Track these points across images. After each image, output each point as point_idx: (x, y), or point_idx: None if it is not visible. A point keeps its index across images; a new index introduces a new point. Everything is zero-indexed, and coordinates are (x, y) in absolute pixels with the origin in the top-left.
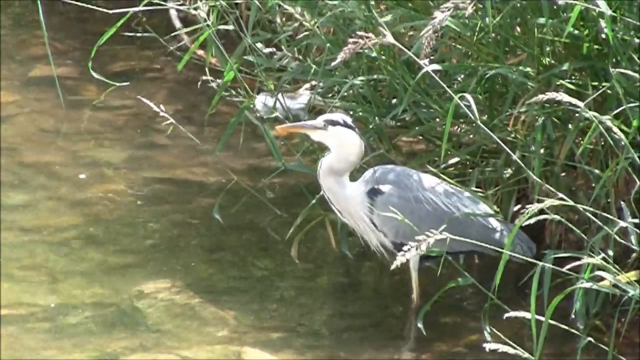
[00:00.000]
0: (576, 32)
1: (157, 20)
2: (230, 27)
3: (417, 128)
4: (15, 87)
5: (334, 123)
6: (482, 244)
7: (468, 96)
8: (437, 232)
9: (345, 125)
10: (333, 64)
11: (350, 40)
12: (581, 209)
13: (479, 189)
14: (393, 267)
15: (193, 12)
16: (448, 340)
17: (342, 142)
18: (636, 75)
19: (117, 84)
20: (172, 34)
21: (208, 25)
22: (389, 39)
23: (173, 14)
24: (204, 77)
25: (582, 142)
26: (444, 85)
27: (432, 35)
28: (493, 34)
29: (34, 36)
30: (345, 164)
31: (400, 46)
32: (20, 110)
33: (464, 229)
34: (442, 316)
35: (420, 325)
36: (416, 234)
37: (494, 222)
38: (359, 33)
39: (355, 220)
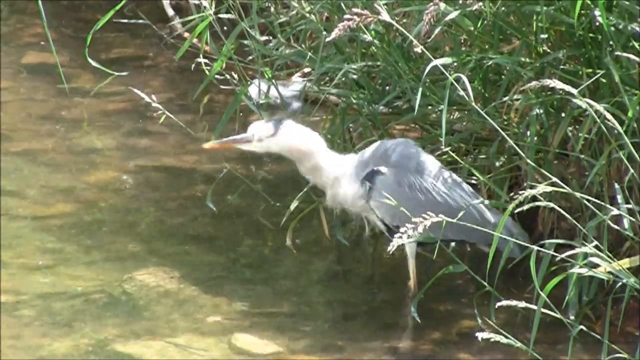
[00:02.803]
0: (570, 20)
1: (149, 7)
2: (232, 16)
3: (410, 114)
4: (8, 74)
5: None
6: (476, 226)
7: (464, 77)
8: (432, 215)
9: (275, 126)
10: (327, 39)
11: (346, 16)
12: (578, 195)
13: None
14: (390, 250)
15: (193, 0)
16: (441, 327)
17: (288, 147)
18: (634, 57)
19: (116, 74)
20: (169, 24)
21: (209, 14)
22: (385, 16)
23: (165, 1)
24: (198, 60)
25: (575, 130)
26: (444, 70)
27: (433, 12)
28: (487, 21)
29: (26, 24)
30: (308, 160)
31: (397, 25)
32: (12, 97)
33: (461, 218)
34: (436, 304)
35: (414, 313)
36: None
37: (489, 215)
38: (355, 10)
39: (358, 213)
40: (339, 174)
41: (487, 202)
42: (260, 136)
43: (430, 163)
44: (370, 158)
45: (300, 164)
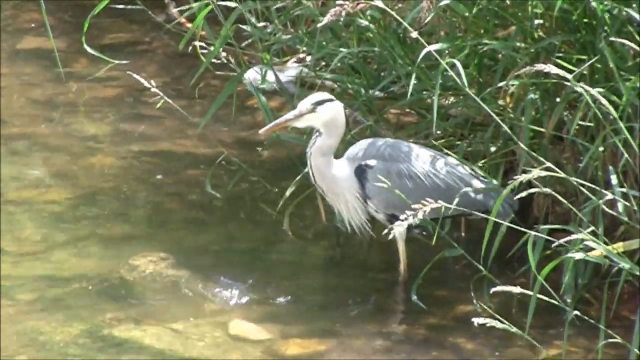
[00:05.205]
0: (565, 5)
1: None
2: (231, 3)
3: (405, 99)
4: (4, 58)
5: (321, 102)
6: (468, 210)
7: (457, 63)
8: (430, 201)
9: (331, 99)
10: (319, 25)
11: (338, 2)
12: (572, 180)
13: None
14: (390, 237)
15: None
16: (436, 313)
17: (332, 117)
18: (628, 43)
19: (116, 62)
20: (166, 10)
21: (211, 2)
22: (378, 2)
23: None
24: (194, 44)
25: (570, 115)
26: (437, 56)
27: (428, 6)
28: (482, 6)
29: (22, 9)
30: (336, 138)
31: (391, 11)
32: (9, 82)
33: (453, 194)
34: (431, 289)
35: (414, 298)
36: (407, 204)
37: (477, 183)
38: None
39: (339, 200)
40: (335, 173)
41: (481, 185)
42: (315, 106)
43: (419, 151)
44: (359, 154)
45: (329, 138)
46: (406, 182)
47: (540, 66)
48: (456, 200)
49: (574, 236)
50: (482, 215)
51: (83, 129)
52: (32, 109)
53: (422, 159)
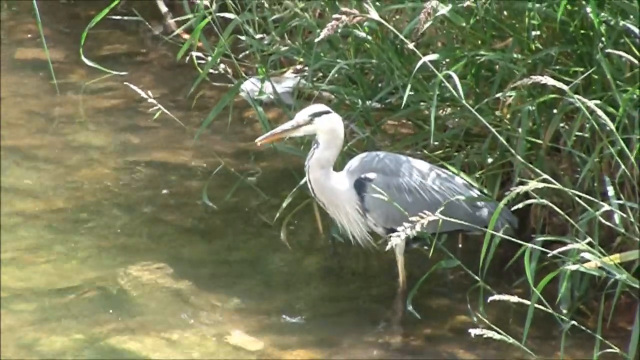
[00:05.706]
0: (563, 17)
1: (142, 3)
2: (231, 15)
3: (402, 110)
4: (1, 69)
5: (319, 114)
6: (468, 224)
7: (454, 75)
8: (429, 214)
9: (328, 112)
10: (316, 40)
11: (335, 16)
12: (570, 193)
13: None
14: (387, 248)
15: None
16: (433, 323)
17: (330, 129)
18: (625, 55)
19: (114, 72)
20: (164, 22)
21: (210, 13)
22: (374, 15)
23: None
24: (192, 55)
25: (566, 126)
26: (433, 68)
27: (426, 17)
28: (479, 17)
29: (20, 19)
30: (334, 150)
31: (386, 23)
32: (6, 93)
33: (452, 210)
34: (428, 300)
35: (410, 308)
36: (406, 218)
37: (479, 202)
38: (343, 9)
39: (339, 212)
40: (334, 185)
41: (477, 195)
42: (312, 118)
43: (418, 165)
44: (358, 167)
45: (328, 150)
46: (405, 197)
47: (537, 78)
48: (440, 209)
49: (569, 246)
50: (480, 227)
51: (80, 140)
52: (29, 120)
53: (421, 173)
